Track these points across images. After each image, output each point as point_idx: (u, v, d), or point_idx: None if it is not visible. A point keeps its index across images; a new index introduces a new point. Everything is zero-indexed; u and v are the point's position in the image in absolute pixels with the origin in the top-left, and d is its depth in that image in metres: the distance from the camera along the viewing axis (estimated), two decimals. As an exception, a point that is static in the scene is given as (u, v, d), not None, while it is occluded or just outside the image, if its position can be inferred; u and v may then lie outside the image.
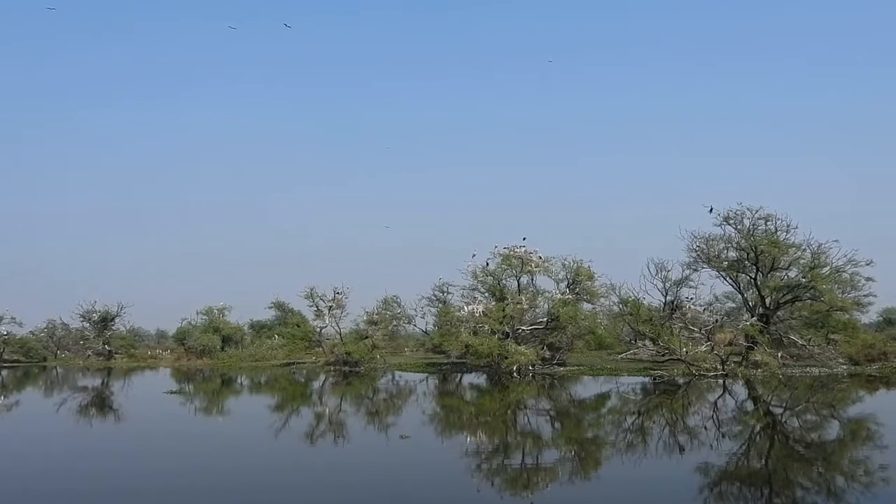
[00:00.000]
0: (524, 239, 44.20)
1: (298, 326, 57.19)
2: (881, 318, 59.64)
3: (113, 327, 65.58)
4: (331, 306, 50.99)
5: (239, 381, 41.73)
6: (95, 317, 64.34)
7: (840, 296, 37.29)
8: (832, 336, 40.55)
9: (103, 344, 63.64)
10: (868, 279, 37.33)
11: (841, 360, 37.95)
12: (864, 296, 38.03)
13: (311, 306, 52.19)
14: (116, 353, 63.36)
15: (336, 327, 51.46)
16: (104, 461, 16.20)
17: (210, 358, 57.03)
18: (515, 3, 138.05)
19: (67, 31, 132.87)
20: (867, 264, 37.10)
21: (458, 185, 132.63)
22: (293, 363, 52.12)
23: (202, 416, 24.98)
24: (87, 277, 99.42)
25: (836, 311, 38.14)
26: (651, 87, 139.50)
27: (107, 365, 58.13)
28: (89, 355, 62.80)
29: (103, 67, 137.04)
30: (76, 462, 16.08)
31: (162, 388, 34.46)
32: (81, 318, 65.00)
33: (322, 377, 42.53)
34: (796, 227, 38.14)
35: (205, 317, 62.76)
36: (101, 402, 30.39)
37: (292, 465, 15.15)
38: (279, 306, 66.35)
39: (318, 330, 52.97)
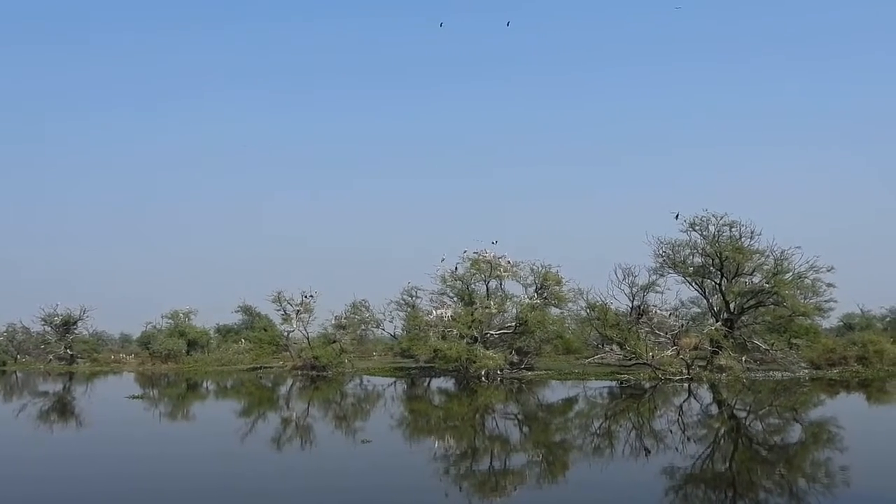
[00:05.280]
0: (495, 242, 44.33)
1: (265, 331, 56.67)
2: (841, 324, 60.73)
3: (75, 331, 64.09)
4: (298, 310, 50.65)
5: (205, 385, 41.26)
6: (57, 320, 62.92)
7: (802, 301, 37.92)
8: (794, 341, 41.24)
9: (65, 348, 62.33)
10: (829, 285, 38.06)
11: (803, 365, 38.58)
12: (825, 301, 38.73)
13: (278, 310, 51.82)
14: (79, 358, 62.11)
15: (304, 331, 51.17)
16: (56, 467, 15.92)
17: (175, 362, 56.17)
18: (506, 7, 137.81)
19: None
20: (828, 270, 37.83)
21: (432, 190, 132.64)
22: (260, 368, 51.61)
23: (165, 421, 24.63)
24: (48, 280, 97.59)
25: (799, 316, 38.81)
26: (626, 90, 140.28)
27: (69, 370, 56.93)
28: (51, 360, 61.45)
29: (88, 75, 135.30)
30: (29, 468, 15.78)
31: (125, 393, 33.87)
32: (42, 322, 63.50)
33: (289, 382, 42.21)
34: (760, 234, 38.80)
35: (170, 320, 61.86)
36: (61, 408, 29.88)
37: (246, 472, 14.98)
38: (246, 310, 65.65)
39: (286, 334, 52.54)
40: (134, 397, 32.16)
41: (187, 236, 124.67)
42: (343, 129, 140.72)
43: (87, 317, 64.13)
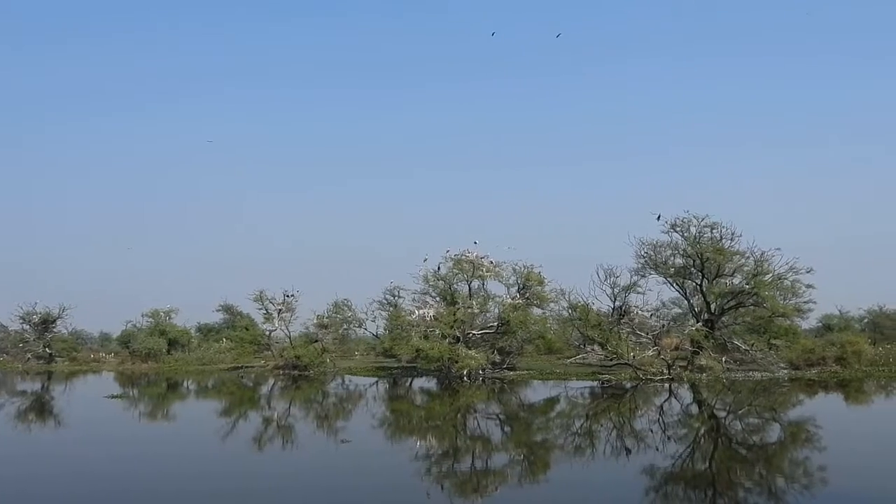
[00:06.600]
0: (475, 243, 44.48)
1: (247, 330, 56.30)
2: (820, 325, 61.27)
3: (54, 330, 63.42)
4: (280, 309, 50.41)
5: (185, 385, 40.97)
6: (36, 319, 62.17)
7: (781, 302, 38.23)
8: (774, 341, 41.52)
9: (44, 347, 61.66)
10: (808, 286, 38.40)
11: (782, 365, 38.87)
12: (805, 302, 39.07)
13: (260, 309, 51.52)
14: (57, 357, 61.49)
15: (285, 331, 50.89)
16: (32, 467, 15.77)
17: (156, 362, 55.73)
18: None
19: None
20: (807, 272, 38.20)
21: (415, 190, 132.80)
22: (241, 367, 51.35)
23: (144, 421, 24.44)
24: (27, 278, 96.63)
25: (778, 316, 39.12)
26: (614, 90, 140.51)
27: (47, 369, 56.39)
28: (29, 359, 60.77)
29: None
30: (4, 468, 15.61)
31: (104, 393, 33.55)
32: (21, 320, 62.78)
33: (271, 381, 42.01)
34: (740, 235, 39.07)
35: (150, 319, 61.32)
36: (39, 407, 29.58)
37: (225, 472, 14.96)
38: (227, 309, 65.36)
39: (268, 333, 52.28)
40: (113, 397, 31.87)
41: (171, 236, 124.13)
42: (330, 128, 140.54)
43: (67, 315, 63.53)
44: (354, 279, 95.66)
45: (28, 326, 62.88)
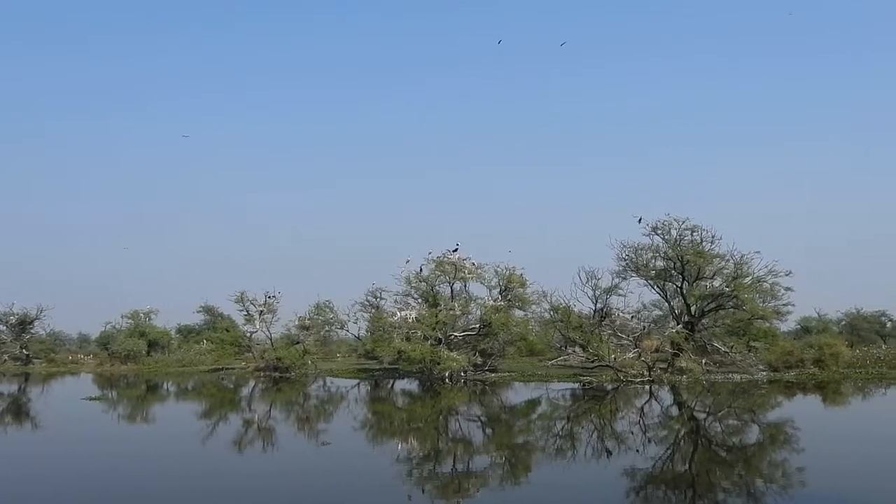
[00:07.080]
0: (457, 245, 44.42)
1: (228, 331, 56.04)
2: (799, 327, 61.92)
3: (32, 331, 62.78)
4: (262, 311, 50.16)
5: (165, 387, 40.65)
6: (13, 320, 61.48)
7: (761, 305, 38.52)
8: (753, 343, 41.86)
9: (21, 348, 60.97)
10: (787, 289, 38.70)
11: (761, 367, 39.19)
12: (783, 305, 39.33)
13: (241, 311, 51.22)
14: (35, 359, 60.82)
15: (267, 332, 50.67)
16: (7, 468, 15.59)
17: (135, 363, 55.31)
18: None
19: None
20: (786, 275, 38.48)
21: (414, 190, 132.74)
22: (222, 369, 51.05)
23: (122, 423, 24.25)
24: (25, 278, 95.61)
25: (757, 319, 39.40)
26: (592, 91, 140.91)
27: (24, 370, 55.76)
28: (5, 360, 60.03)
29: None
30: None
31: (82, 395, 33.18)
32: (-3, 322, 62.19)
33: (251, 383, 41.80)
34: (720, 238, 39.34)
35: (130, 320, 60.85)
36: (15, 409, 29.25)
37: (206, 473, 14.88)
38: (208, 310, 64.92)
39: (249, 335, 52.01)
40: (91, 398, 31.53)
41: (169, 236, 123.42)
42: (329, 128, 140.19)
43: (44, 316, 62.88)
44: (354, 279, 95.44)
45: (5, 328, 62.16)
